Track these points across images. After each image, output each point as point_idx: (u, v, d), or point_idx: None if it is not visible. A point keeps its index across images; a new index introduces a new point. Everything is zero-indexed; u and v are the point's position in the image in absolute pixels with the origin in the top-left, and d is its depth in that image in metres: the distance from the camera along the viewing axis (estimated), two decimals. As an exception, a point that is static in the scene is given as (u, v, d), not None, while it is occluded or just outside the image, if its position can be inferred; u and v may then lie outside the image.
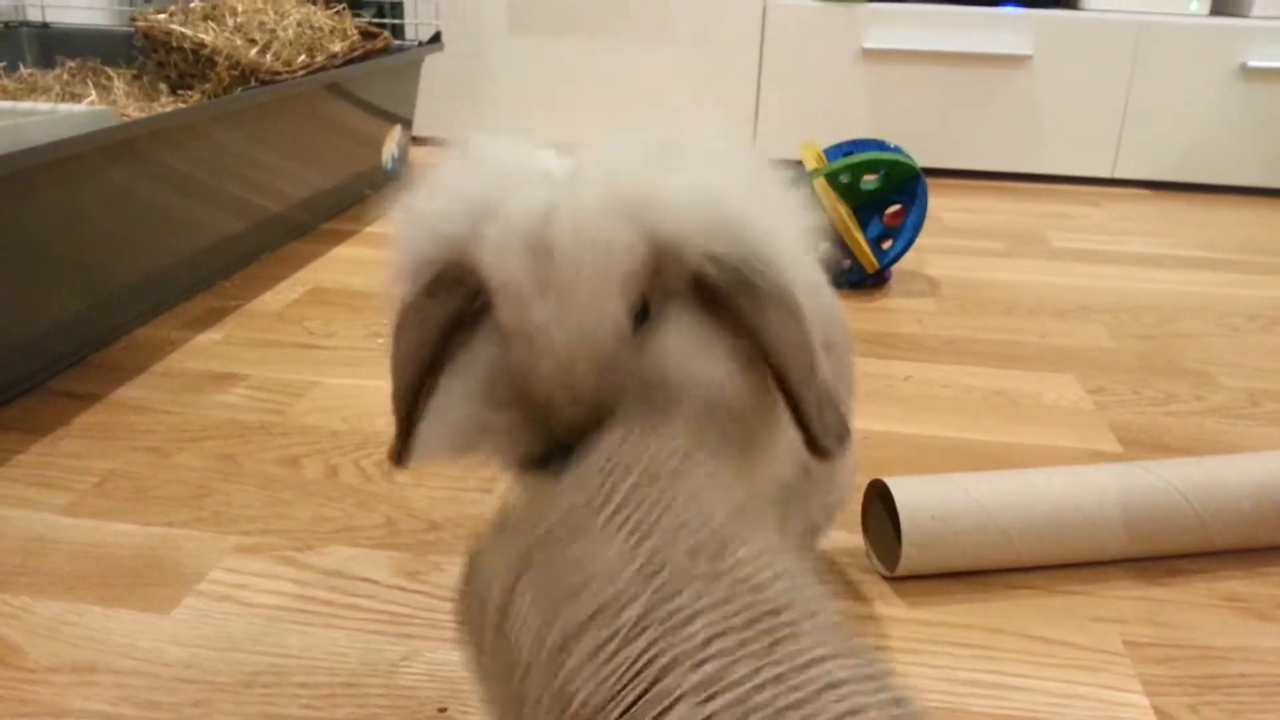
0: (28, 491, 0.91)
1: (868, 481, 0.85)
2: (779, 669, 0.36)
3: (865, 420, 1.09)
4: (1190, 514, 0.83)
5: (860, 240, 1.48)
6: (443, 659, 0.72)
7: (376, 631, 0.74)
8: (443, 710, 0.67)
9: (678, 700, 0.35)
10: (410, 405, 0.49)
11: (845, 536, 0.86)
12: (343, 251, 1.65)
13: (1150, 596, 0.81)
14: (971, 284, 1.60)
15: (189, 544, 0.84)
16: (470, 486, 0.93)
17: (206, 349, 1.24)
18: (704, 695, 0.35)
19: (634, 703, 0.36)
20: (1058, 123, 2.32)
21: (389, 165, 2.12)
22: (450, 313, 0.47)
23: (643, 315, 0.45)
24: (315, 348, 1.26)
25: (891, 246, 1.53)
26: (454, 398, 0.47)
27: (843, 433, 0.49)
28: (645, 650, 0.37)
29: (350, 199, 1.94)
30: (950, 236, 1.87)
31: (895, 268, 1.59)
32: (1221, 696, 0.71)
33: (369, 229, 1.79)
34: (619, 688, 0.36)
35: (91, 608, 0.76)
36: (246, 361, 1.21)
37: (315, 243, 1.69)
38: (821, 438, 0.47)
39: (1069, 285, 1.61)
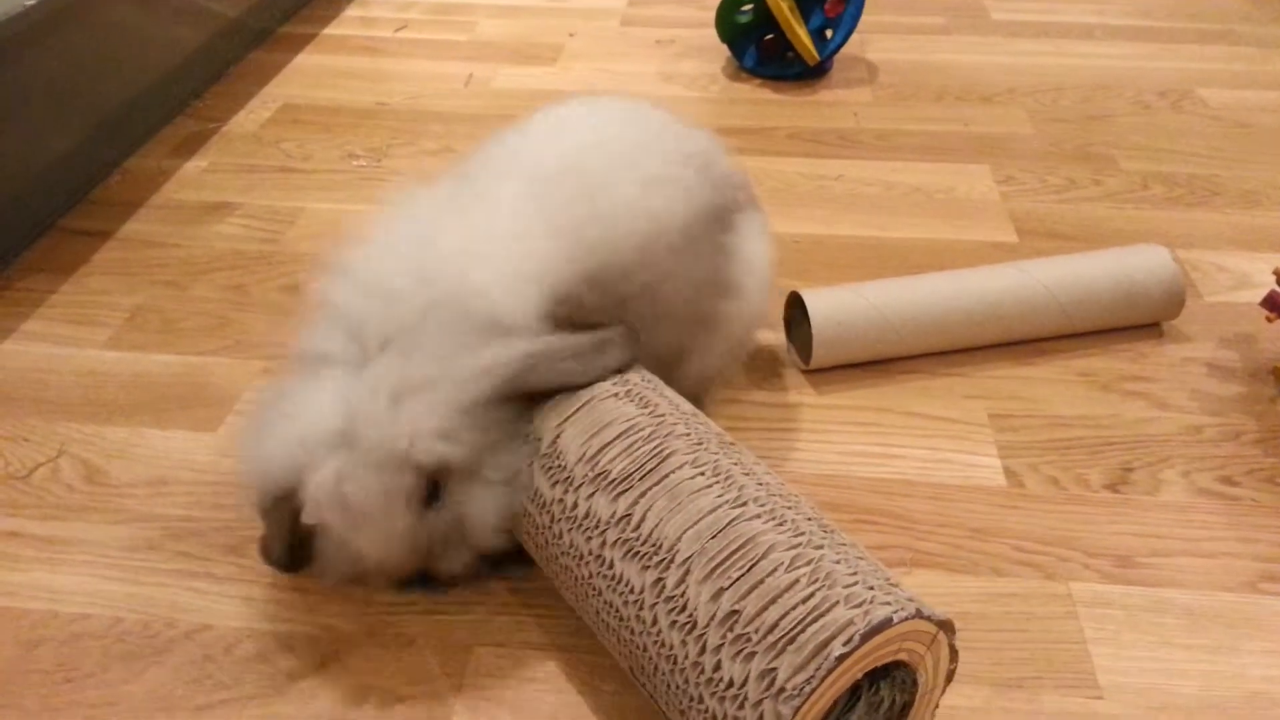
0: (70, 329, 1.06)
1: (789, 291, 1.01)
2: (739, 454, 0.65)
3: (797, 224, 1.24)
4: (1054, 305, 1.00)
5: (801, 34, 1.56)
6: (443, 457, 0.90)
7: (387, 438, 0.92)
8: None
9: (680, 465, 0.62)
10: (286, 564, 0.69)
11: (773, 337, 1.03)
12: (304, 61, 1.71)
13: (1016, 375, 0.99)
14: (908, 68, 1.68)
15: (220, 370, 1.00)
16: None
17: (196, 178, 1.35)
18: (693, 459, 0.63)
19: (649, 472, 0.62)
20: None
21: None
22: (296, 508, 0.64)
23: (435, 492, 0.64)
24: (295, 171, 1.37)
25: (832, 38, 1.61)
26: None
27: None
28: (656, 447, 0.63)
29: (304, -4, 1.95)
30: (893, 13, 1.92)
31: (837, 56, 1.67)
32: (1057, 456, 0.90)
33: (326, 31, 1.83)
34: (641, 464, 0.63)
35: (151, 430, 0.93)
36: (234, 189, 1.32)
37: (275, 51, 1.74)
38: None
39: (999, 65, 1.70)
